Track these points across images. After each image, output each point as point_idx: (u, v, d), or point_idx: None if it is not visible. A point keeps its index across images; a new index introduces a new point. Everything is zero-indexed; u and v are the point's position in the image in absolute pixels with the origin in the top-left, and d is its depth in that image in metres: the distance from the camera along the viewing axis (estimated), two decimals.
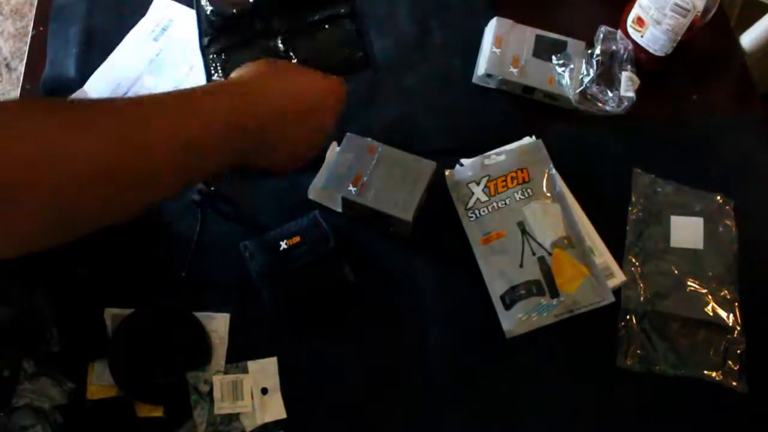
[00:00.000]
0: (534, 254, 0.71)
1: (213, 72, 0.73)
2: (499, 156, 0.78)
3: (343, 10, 0.71)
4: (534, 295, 0.69)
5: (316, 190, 0.77)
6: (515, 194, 0.75)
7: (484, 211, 0.75)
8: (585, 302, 0.69)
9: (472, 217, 0.75)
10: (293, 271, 0.70)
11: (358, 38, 0.69)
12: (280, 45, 0.72)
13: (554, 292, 0.69)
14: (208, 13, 0.73)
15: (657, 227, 0.77)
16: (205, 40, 0.73)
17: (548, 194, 0.75)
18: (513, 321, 0.69)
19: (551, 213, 0.73)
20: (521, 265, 0.71)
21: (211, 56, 0.74)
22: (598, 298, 0.69)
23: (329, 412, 0.68)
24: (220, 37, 0.73)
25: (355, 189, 0.75)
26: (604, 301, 0.69)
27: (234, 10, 0.73)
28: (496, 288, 0.72)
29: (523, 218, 0.73)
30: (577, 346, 0.71)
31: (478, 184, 0.77)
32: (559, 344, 0.71)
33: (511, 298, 0.70)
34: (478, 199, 0.76)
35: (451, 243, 0.76)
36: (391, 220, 0.74)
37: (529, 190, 0.75)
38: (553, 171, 0.76)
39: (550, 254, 0.71)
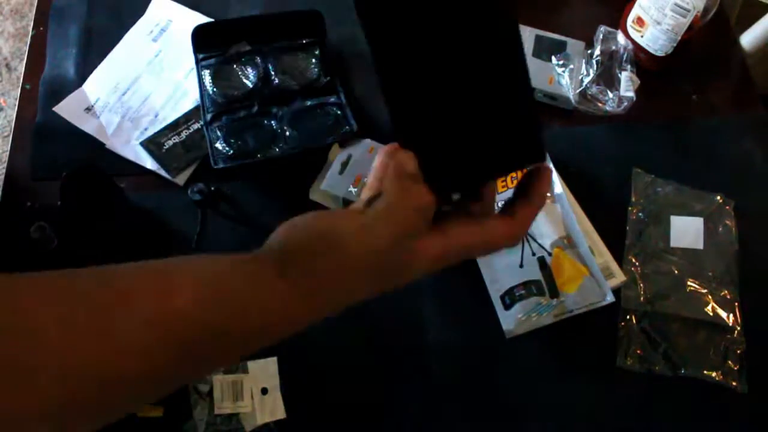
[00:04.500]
0: (534, 254, 0.71)
1: (214, 138, 0.80)
2: None
3: (332, 99, 0.83)
4: (534, 295, 0.69)
5: (316, 190, 0.77)
6: None
7: None
8: (585, 302, 0.69)
9: None
10: None
11: (344, 118, 0.82)
12: (274, 124, 0.81)
13: (554, 292, 0.69)
14: (212, 93, 0.82)
15: (657, 227, 0.77)
16: (208, 116, 0.81)
17: (548, 194, 0.75)
18: (513, 321, 0.69)
19: (551, 213, 0.73)
20: (521, 265, 0.71)
21: (211, 128, 0.82)
22: (598, 298, 0.69)
23: (329, 412, 0.68)
24: (221, 115, 0.82)
25: (355, 190, 0.75)
26: (604, 301, 0.69)
27: (235, 92, 0.82)
28: (495, 288, 0.72)
29: None
30: (577, 346, 0.71)
31: None
32: (559, 344, 0.71)
33: (510, 298, 0.70)
34: None
35: None
36: None
37: None
38: (553, 171, 0.76)
39: (550, 254, 0.71)
